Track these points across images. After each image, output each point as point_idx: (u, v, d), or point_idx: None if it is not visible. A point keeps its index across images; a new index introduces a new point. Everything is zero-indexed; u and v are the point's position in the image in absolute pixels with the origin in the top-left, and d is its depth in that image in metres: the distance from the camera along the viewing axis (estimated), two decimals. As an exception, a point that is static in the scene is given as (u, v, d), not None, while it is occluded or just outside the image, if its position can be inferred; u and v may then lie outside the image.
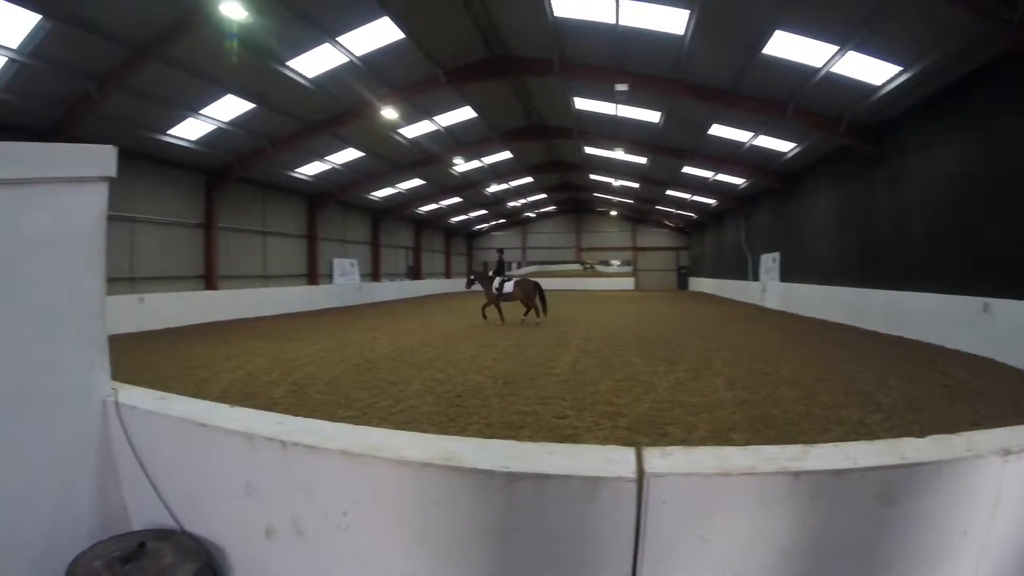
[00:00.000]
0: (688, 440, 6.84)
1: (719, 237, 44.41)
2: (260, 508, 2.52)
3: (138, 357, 13.82)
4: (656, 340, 15.99)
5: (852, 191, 21.22)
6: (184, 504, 2.91)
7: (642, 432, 7.18)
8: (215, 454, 2.66)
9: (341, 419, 3.71)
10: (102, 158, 3.04)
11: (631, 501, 1.86)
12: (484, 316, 23.39)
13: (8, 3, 13.35)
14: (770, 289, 30.19)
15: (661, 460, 1.93)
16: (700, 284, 51.07)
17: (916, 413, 8.00)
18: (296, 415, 2.82)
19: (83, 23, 14.70)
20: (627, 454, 1.99)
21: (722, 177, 31.51)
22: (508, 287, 22.62)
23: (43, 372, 2.90)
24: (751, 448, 2.02)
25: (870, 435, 6.84)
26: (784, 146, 23.73)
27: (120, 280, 21.61)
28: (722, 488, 1.85)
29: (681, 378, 10.58)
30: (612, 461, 1.95)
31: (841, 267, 21.95)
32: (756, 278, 33.24)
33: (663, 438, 6.93)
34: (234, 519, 2.70)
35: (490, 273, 23.31)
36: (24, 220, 2.80)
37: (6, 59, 15.32)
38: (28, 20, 14.13)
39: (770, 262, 30.47)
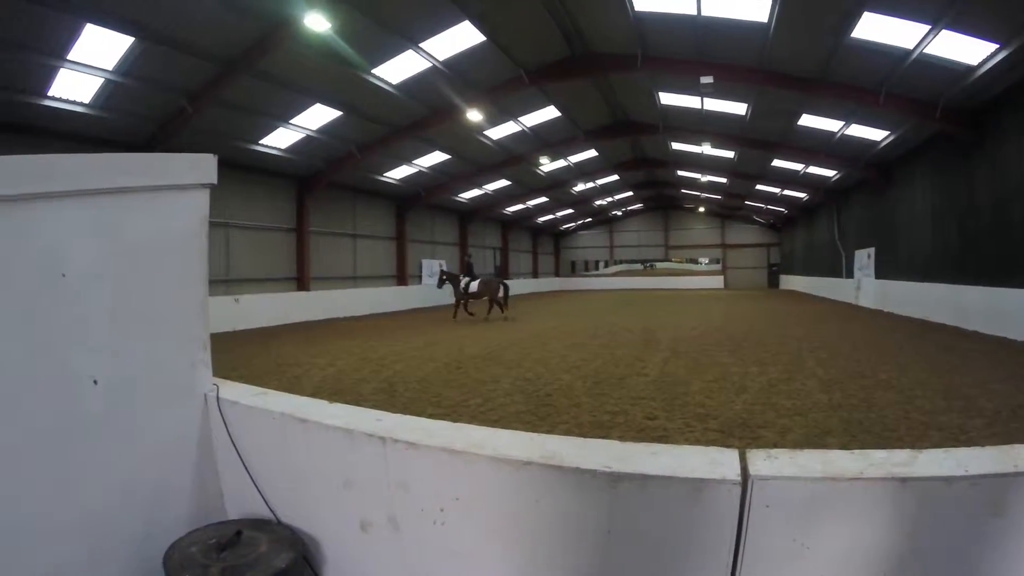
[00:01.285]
0: (781, 444, 6.66)
1: (811, 232, 42.96)
2: (356, 502, 2.58)
3: (234, 355, 14.28)
4: (747, 340, 15.63)
5: (950, 180, 20.20)
6: (280, 496, 3.02)
7: (734, 435, 7.01)
8: (314, 448, 2.74)
9: (431, 417, 3.77)
10: (203, 166, 3.21)
11: (734, 504, 1.81)
12: (455, 316, 25.04)
13: (102, 28, 14.13)
14: (865, 286, 29.09)
15: (766, 463, 1.87)
16: (792, 282, 49.31)
17: (1021, 420, 7.54)
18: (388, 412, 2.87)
19: (173, 43, 15.43)
20: (731, 456, 1.95)
21: (813, 169, 30.55)
22: (474, 286, 24.82)
23: (150, 368, 3.07)
24: (858, 452, 1.94)
25: (971, 442, 6.52)
26: (877, 135, 22.79)
27: (217, 282, 22.31)
28: (827, 493, 1.78)
29: (774, 379, 10.27)
30: (716, 463, 1.91)
31: (939, 262, 20.91)
32: (850, 275, 32.03)
33: (755, 441, 6.76)
34: (330, 512, 2.78)
35: (462, 276, 25.24)
36: (132, 226, 2.97)
37: (103, 79, 16.23)
38: (122, 43, 14.94)
39: (864, 258, 29.35)
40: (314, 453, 2.75)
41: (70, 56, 14.85)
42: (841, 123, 22.54)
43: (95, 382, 2.82)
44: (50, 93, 16.22)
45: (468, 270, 25.91)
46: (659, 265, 62.74)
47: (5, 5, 12.61)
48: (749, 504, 1.80)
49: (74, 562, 2.71)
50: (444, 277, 25.37)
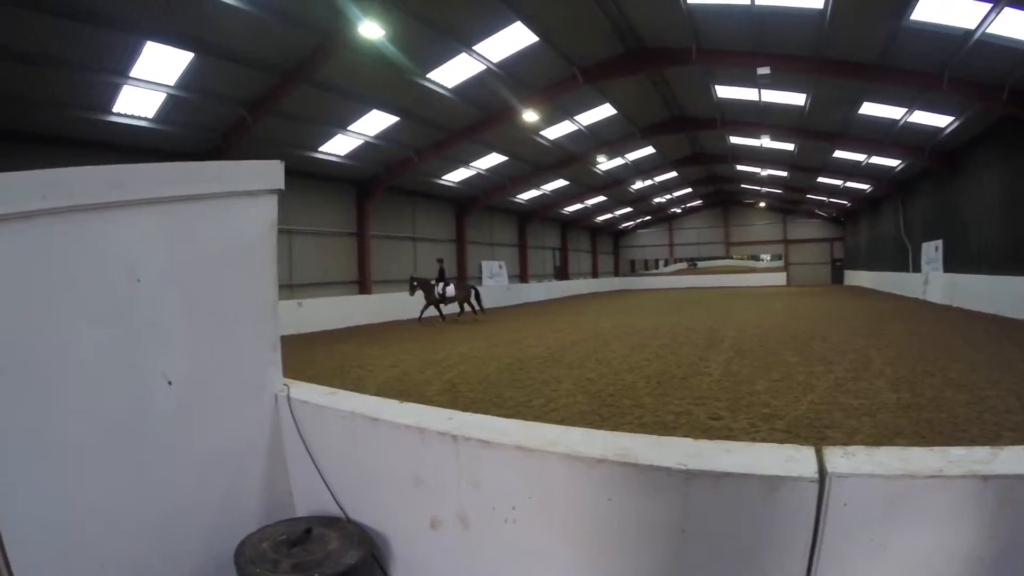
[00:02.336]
0: (850, 445, 6.49)
1: (875, 226, 41.65)
2: (426, 500, 2.60)
3: (298, 357, 14.53)
4: (812, 338, 15.24)
5: (1020, 166, 19.48)
6: (350, 494, 3.07)
7: (800, 436, 6.87)
8: (384, 447, 2.78)
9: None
10: (271, 172, 3.31)
11: (811, 503, 1.76)
12: (420, 320, 25.87)
13: (163, 45, 14.73)
14: (932, 281, 28.22)
15: (843, 460, 1.82)
16: (856, 277, 47.88)
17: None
18: (453, 412, 2.90)
19: (232, 56, 16.00)
20: (807, 453, 1.90)
21: (876, 160, 29.74)
22: (450, 290, 25.85)
23: (222, 368, 3.19)
24: (937, 449, 1.86)
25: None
26: (941, 121, 22.03)
27: (280, 287, 22.70)
28: (905, 491, 1.72)
29: (840, 379, 10.00)
30: (792, 460, 1.87)
31: (1011, 254, 20.07)
32: (917, 269, 31.11)
33: (823, 442, 6.62)
34: (399, 510, 2.80)
35: (433, 280, 25.59)
36: (204, 231, 3.09)
37: (166, 94, 16.90)
38: (182, 59, 15.58)
39: (932, 251, 28.47)
40: (384, 451, 2.78)
41: (133, 73, 15.52)
42: (903, 110, 21.88)
43: (169, 383, 2.92)
44: (115, 109, 16.96)
45: (440, 275, 26.30)
46: (720, 263, 61.78)
47: (69, 28, 13.23)
48: (826, 502, 1.75)
49: (147, 555, 2.82)
50: (415, 283, 25.27)
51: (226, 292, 3.21)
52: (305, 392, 3.36)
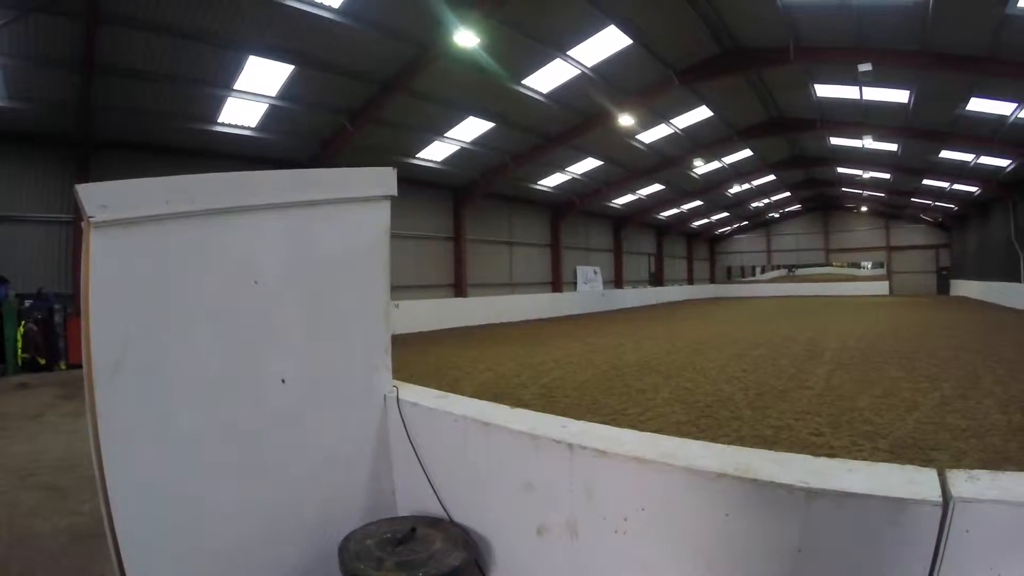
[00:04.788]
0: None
1: (984, 231, 39.30)
2: (535, 506, 2.61)
3: (395, 358, 14.75)
4: (917, 353, 14.53)
5: None
6: (454, 496, 3.11)
7: (904, 457, 6.55)
8: (495, 452, 2.79)
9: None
10: (384, 179, 3.43)
11: (932, 527, 1.68)
12: None
13: (265, 59, 15.47)
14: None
15: (968, 484, 1.73)
16: (963, 287, 45.20)
17: None
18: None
19: (332, 68, 16.61)
20: (930, 475, 1.82)
21: (984, 160, 28.13)
22: None
23: (335, 369, 3.31)
24: None
25: None
26: (1056, 115, 20.56)
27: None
28: (1028, 520, 1.62)
29: (947, 397, 9.51)
30: (915, 482, 1.79)
31: None
32: (1030, 279, 29.41)
33: (928, 464, 6.32)
34: (506, 515, 2.81)
35: None
36: (320, 236, 3.23)
37: (268, 105, 17.70)
38: (283, 71, 16.29)
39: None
40: (495, 456, 2.80)
41: (237, 86, 16.40)
42: (1014, 105, 20.61)
43: (283, 381, 3.06)
44: (220, 120, 17.98)
45: None
46: (819, 270, 60.05)
47: (178, 46, 14.13)
48: (948, 528, 1.66)
49: (255, 547, 2.96)
50: None
51: (340, 295, 3.32)
52: (414, 394, 3.43)
